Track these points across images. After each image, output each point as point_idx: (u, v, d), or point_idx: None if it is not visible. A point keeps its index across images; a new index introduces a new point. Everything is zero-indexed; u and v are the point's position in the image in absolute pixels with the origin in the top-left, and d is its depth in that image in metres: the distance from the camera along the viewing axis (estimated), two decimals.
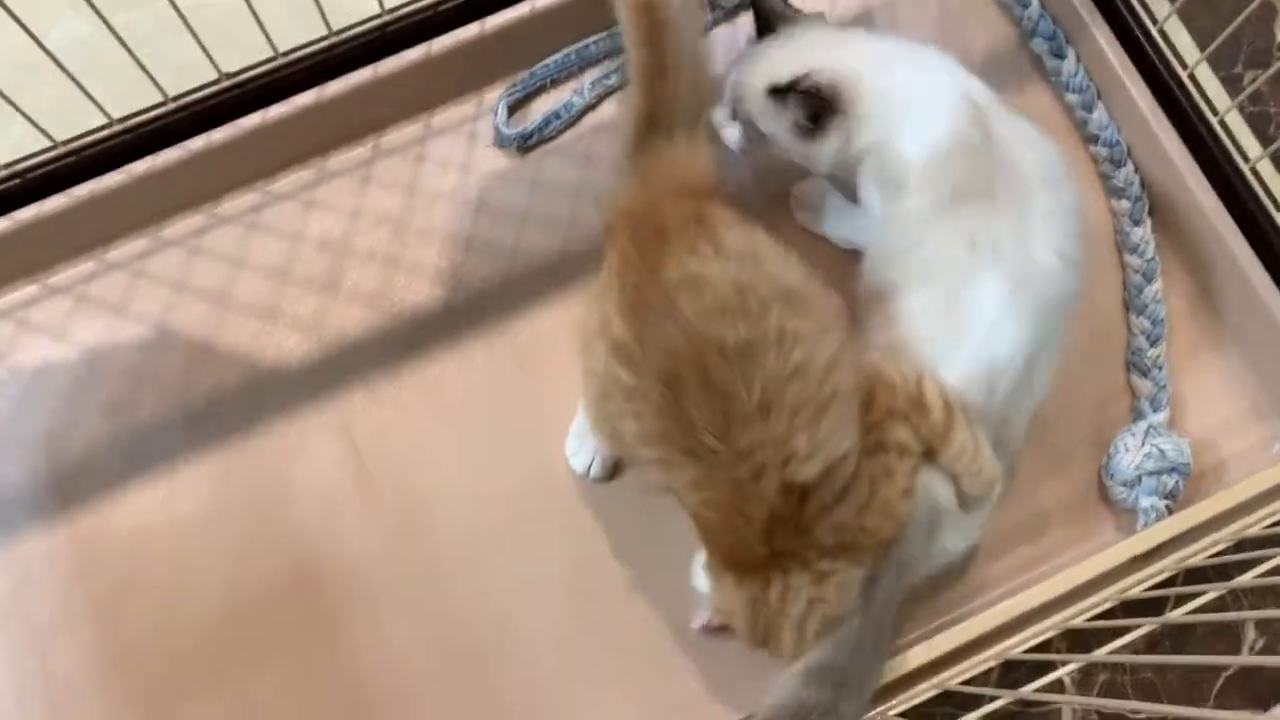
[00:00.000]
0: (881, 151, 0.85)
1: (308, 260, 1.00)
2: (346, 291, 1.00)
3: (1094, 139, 1.05)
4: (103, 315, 0.98)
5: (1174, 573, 0.81)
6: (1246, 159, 0.97)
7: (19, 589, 0.92)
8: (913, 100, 0.86)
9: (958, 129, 0.83)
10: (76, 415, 0.96)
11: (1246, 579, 0.75)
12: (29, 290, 1.00)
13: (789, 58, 0.87)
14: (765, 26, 0.92)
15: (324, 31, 0.97)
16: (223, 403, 0.96)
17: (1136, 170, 1.03)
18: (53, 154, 0.94)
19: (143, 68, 0.89)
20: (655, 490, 0.76)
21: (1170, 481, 0.90)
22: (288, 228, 1.01)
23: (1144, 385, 0.98)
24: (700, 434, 0.69)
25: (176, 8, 0.85)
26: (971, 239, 0.81)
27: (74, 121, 0.97)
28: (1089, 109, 1.05)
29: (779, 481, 0.69)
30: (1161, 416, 0.95)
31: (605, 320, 0.73)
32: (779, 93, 0.85)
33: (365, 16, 0.99)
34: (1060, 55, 1.06)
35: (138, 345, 0.98)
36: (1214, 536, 0.82)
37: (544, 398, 0.96)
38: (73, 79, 0.87)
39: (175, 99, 0.95)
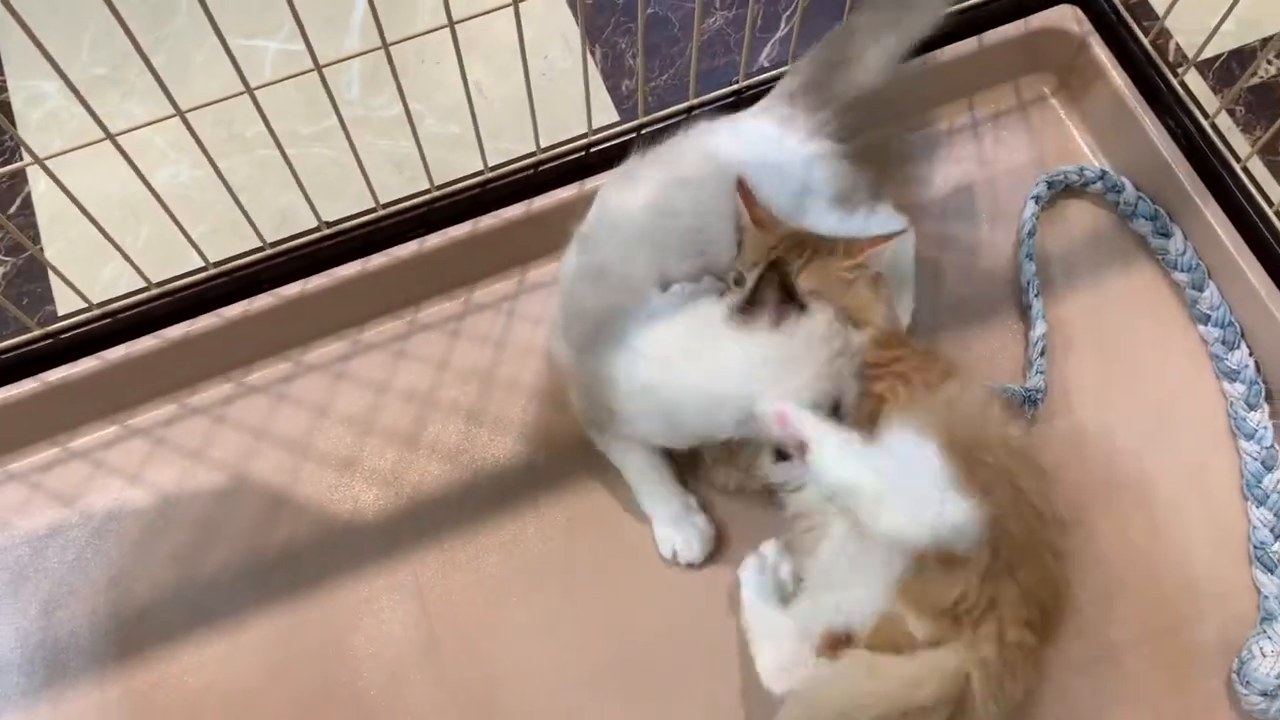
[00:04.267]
0: None
1: (392, 412, 0.98)
2: (427, 445, 0.97)
3: (1205, 319, 1.01)
4: (180, 460, 0.96)
5: None
6: None
7: None
8: None
9: None
10: (143, 563, 0.92)
11: None
12: (109, 431, 0.98)
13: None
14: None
15: (426, 185, 0.97)
16: (293, 557, 0.92)
17: (1251, 353, 0.99)
18: (147, 294, 0.94)
19: (244, 213, 0.90)
20: None
21: None
22: (374, 378, 0.99)
23: (1270, 583, 0.91)
24: None
25: (284, 153, 0.86)
26: None
27: (168, 263, 0.98)
28: (1199, 288, 1.01)
29: None
30: None
31: None
32: None
33: (468, 173, 1.00)
34: (1165, 234, 1.04)
35: (212, 493, 0.95)
36: None
37: (625, 569, 0.91)
38: (176, 222, 0.87)
39: (274, 244, 0.96)
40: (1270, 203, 0.97)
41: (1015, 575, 0.74)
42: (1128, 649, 0.89)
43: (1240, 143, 1.09)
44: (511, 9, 0.82)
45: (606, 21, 1.17)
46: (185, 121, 0.77)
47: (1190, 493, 0.95)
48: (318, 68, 0.79)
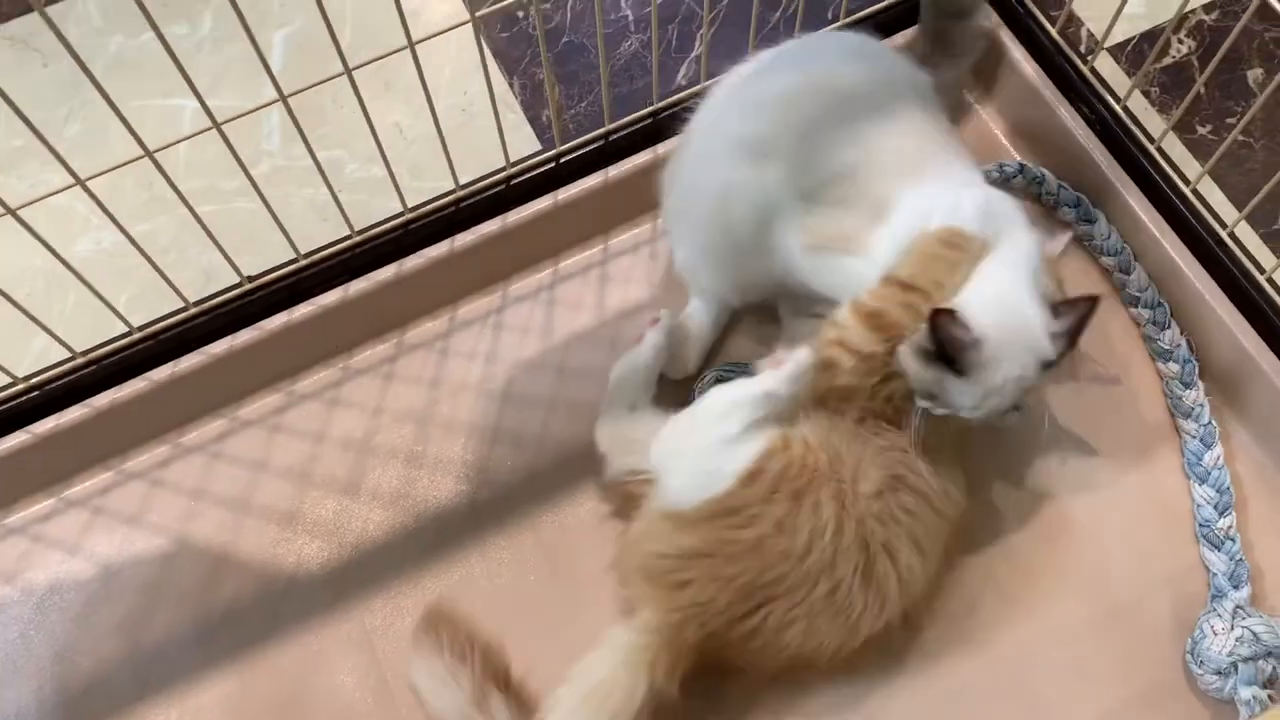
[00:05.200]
0: None
1: (330, 461, 0.97)
2: (368, 492, 0.96)
3: (1134, 301, 1.01)
4: (119, 528, 0.95)
5: None
6: None
7: None
8: None
9: None
10: (88, 635, 0.91)
11: None
12: (45, 504, 0.97)
13: None
14: None
15: (347, 231, 0.97)
16: (239, 616, 0.91)
17: (1183, 332, 0.99)
18: (73, 364, 0.93)
19: (163, 275, 0.89)
20: None
21: (1268, 668, 0.82)
22: (310, 428, 0.98)
23: (1217, 560, 0.91)
24: None
25: (197, 217, 0.85)
26: None
27: (100, 327, 0.97)
28: (1126, 271, 1.02)
29: None
30: (1244, 594, 0.88)
31: None
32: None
33: (388, 215, 0.99)
34: (1089, 220, 1.04)
35: (154, 558, 0.94)
36: None
37: (571, 599, 0.91)
38: (94, 291, 0.87)
39: (197, 304, 0.95)
40: (1185, 180, 0.98)
41: (733, 581, 0.78)
42: (1080, 634, 0.89)
43: (1157, 124, 1.09)
44: (421, 49, 0.82)
45: (523, 53, 1.18)
46: (86, 189, 0.77)
47: (1134, 475, 0.96)
48: (216, 125, 0.78)
